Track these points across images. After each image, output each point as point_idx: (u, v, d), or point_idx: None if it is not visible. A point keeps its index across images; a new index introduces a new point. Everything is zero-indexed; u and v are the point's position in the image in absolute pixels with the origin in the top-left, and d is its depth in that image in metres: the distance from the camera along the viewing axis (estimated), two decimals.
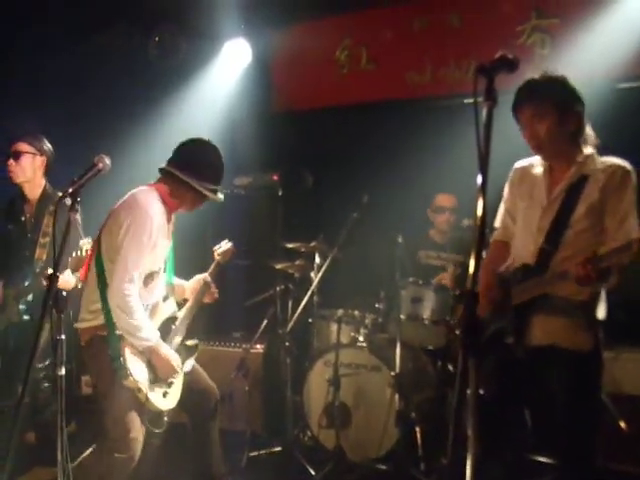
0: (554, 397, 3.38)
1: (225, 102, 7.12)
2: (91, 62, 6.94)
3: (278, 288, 5.79)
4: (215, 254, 4.52)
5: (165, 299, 4.12)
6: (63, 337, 2.96)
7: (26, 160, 5.04)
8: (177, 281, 4.39)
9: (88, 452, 3.91)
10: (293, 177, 6.58)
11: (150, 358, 3.77)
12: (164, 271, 4.07)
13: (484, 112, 2.08)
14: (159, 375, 3.82)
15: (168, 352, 3.84)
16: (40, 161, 5.10)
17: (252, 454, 5.28)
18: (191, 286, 4.41)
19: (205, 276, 4.39)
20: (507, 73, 2.17)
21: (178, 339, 4.10)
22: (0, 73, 6.44)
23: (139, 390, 3.68)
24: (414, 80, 6.53)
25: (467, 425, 1.93)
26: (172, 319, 4.11)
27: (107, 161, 3.25)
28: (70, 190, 3.07)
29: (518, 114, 3.43)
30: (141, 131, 6.68)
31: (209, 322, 6.21)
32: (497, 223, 3.84)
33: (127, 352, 3.68)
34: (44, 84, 6.67)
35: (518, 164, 3.73)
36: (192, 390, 4.15)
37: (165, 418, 4.00)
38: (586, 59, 5.43)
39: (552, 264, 3.36)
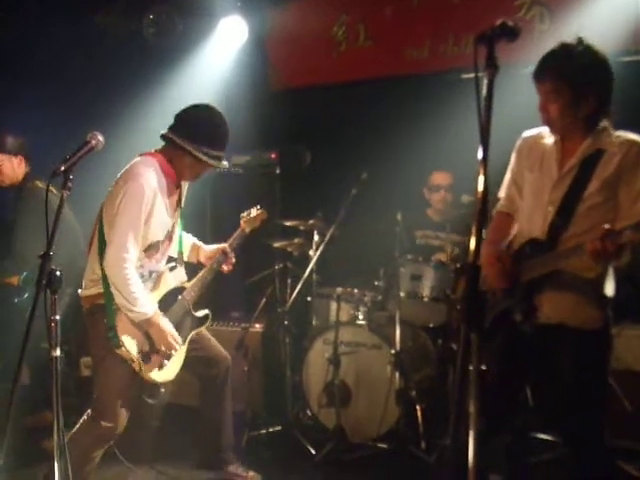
0: (562, 375, 3.30)
1: (221, 80, 7.06)
2: (87, 41, 6.90)
3: (277, 267, 5.77)
4: (242, 221, 4.55)
5: (173, 269, 4.12)
6: (57, 318, 2.92)
7: (5, 167, 5.29)
8: (195, 242, 4.44)
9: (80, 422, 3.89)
10: (291, 155, 6.55)
11: (147, 330, 3.77)
12: (171, 240, 4.06)
13: (485, 81, 2.03)
14: (157, 347, 3.83)
15: (166, 325, 3.83)
16: (17, 160, 5.32)
17: (252, 434, 5.27)
18: (208, 252, 4.41)
19: (225, 246, 4.39)
20: (508, 41, 2.12)
21: (184, 309, 4.10)
22: None
23: (132, 360, 3.72)
24: (412, 56, 6.47)
25: (469, 402, 1.90)
26: (179, 289, 4.12)
27: (100, 138, 3.19)
28: (62, 168, 3.02)
29: (537, 84, 3.28)
30: (137, 110, 6.64)
31: (207, 302, 6.18)
32: (501, 193, 3.72)
33: (122, 322, 3.70)
34: (39, 63, 6.62)
35: (527, 133, 3.59)
36: (202, 358, 4.24)
37: (162, 389, 4.01)
38: (586, 33, 5.37)
39: (563, 239, 3.26)
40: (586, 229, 3.19)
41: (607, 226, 2.97)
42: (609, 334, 3.32)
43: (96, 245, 3.78)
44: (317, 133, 6.78)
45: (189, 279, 4.25)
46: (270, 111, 6.99)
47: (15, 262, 5.20)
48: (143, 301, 3.70)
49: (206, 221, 6.76)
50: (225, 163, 4.04)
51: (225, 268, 4.39)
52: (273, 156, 6.57)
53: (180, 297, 4.10)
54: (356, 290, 5.61)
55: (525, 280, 3.33)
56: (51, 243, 2.91)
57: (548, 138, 3.44)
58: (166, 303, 4.00)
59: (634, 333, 4.79)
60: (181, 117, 3.95)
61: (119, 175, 3.80)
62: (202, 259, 4.41)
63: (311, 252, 5.59)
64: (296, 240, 5.63)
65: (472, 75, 2.07)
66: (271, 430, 5.33)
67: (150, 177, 3.74)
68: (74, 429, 3.85)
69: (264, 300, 5.65)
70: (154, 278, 3.97)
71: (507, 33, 2.12)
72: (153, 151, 3.92)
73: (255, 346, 5.68)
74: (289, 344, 5.48)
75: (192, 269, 4.37)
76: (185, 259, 4.32)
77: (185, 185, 4.15)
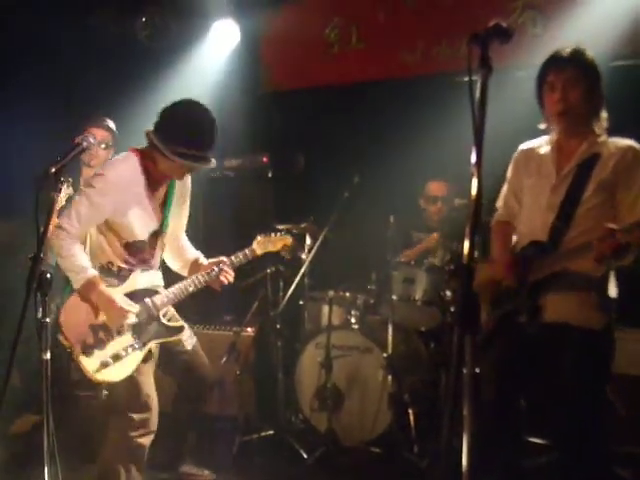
0: (562, 375, 3.34)
1: (214, 83, 7.03)
2: (80, 44, 6.87)
3: (269, 270, 5.73)
4: (254, 242, 4.29)
5: (146, 270, 3.90)
6: (48, 320, 2.90)
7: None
8: (199, 258, 4.22)
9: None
10: (283, 158, 6.53)
11: (91, 298, 3.64)
12: (158, 246, 3.96)
13: (478, 82, 2.02)
14: (108, 321, 3.69)
15: (113, 294, 3.67)
16: None
17: (244, 438, 5.23)
18: (206, 267, 4.15)
19: (223, 259, 4.14)
20: (501, 43, 2.12)
21: (147, 312, 3.84)
22: None
23: (70, 348, 3.61)
24: (405, 59, 6.46)
25: (463, 405, 1.88)
26: (150, 292, 3.88)
27: (91, 140, 3.19)
28: (53, 170, 3.00)
29: (554, 73, 3.38)
30: (130, 112, 6.60)
31: (199, 305, 6.16)
32: (499, 203, 3.84)
33: (69, 307, 3.67)
34: (30, 64, 6.60)
35: (523, 145, 3.71)
36: (186, 370, 4.14)
37: (105, 392, 3.75)
38: (578, 38, 5.37)
39: (564, 241, 3.35)
40: (586, 230, 3.28)
41: (611, 225, 3.05)
42: (612, 335, 3.39)
43: None
44: (310, 136, 6.76)
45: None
46: (262, 114, 6.99)
47: None
48: (81, 263, 3.60)
49: (198, 224, 6.74)
50: (210, 163, 3.84)
51: (215, 284, 4.12)
52: (265, 159, 6.55)
53: (147, 299, 3.85)
54: (348, 293, 5.60)
55: (531, 281, 3.40)
56: (41, 245, 2.89)
57: (544, 147, 3.58)
58: (130, 300, 3.81)
59: (628, 336, 4.77)
60: (160, 114, 3.82)
61: None
62: (187, 274, 4.22)
63: (303, 255, 5.57)
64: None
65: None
66: (263, 434, 5.31)
67: (122, 169, 3.72)
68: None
69: (256, 304, 5.62)
70: (123, 276, 3.81)
71: (500, 34, 2.11)
72: (138, 148, 3.85)
73: (247, 350, 5.65)
74: (281, 348, 5.45)
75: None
76: (184, 272, 4.19)
77: (181, 189, 4.06)
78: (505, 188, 3.79)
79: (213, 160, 3.86)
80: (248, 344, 5.69)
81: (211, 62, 7.10)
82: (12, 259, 5.23)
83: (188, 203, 4.18)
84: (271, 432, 5.33)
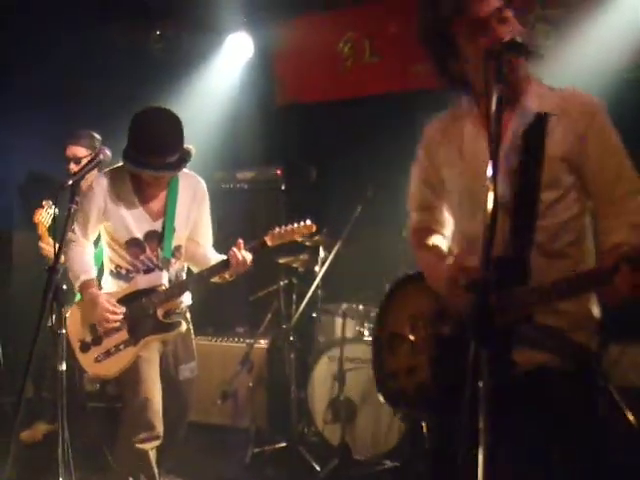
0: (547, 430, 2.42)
1: (227, 96, 7.08)
2: (93, 56, 6.91)
3: (282, 282, 5.75)
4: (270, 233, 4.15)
5: (149, 271, 4.00)
6: (64, 331, 2.92)
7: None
8: (213, 256, 4.19)
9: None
10: (296, 171, 6.54)
11: (86, 299, 3.90)
12: (158, 244, 4.01)
13: (494, 97, 2.03)
14: (95, 321, 3.88)
15: (103, 298, 3.85)
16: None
17: (256, 450, 5.24)
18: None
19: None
20: (516, 57, 2.13)
21: (143, 309, 3.92)
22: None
23: (71, 343, 3.87)
24: (419, 71, 6.47)
25: (478, 418, 1.88)
26: (147, 291, 3.96)
27: (108, 152, 3.26)
28: (70, 182, 3.05)
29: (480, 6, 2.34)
30: None
31: (212, 317, 6.17)
32: (411, 205, 2.91)
33: (75, 309, 3.99)
34: (43, 76, 6.64)
35: (429, 126, 2.82)
36: (168, 398, 4.05)
37: (97, 385, 4.45)
38: (592, 50, 5.38)
39: (533, 253, 2.35)
40: (553, 236, 2.38)
41: (618, 239, 2.29)
42: (600, 365, 2.56)
43: None
44: (323, 149, 6.78)
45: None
46: (275, 127, 7.00)
47: None
48: (78, 268, 3.92)
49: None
50: (153, 170, 3.83)
51: (227, 275, 4.04)
52: (278, 172, 6.57)
53: (143, 299, 3.93)
54: (361, 306, 5.59)
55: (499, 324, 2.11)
56: (58, 256, 2.92)
57: (460, 120, 2.62)
58: (127, 301, 3.93)
59: (636, 350, 4.76)
60: None
61: None
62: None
63: (316, 268, 5.57)
64: (301, 256, 5.61)
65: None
66: (276, 446, 5.31)
67: (103, 177, 3.95)
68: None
69: (269, 316, 5.64)
70: (130, 278, 3.99)
71: (516, 49, 2.12)
72: None
73: (260, 362, 5.66)
74: (294, 360, 5.45)
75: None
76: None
77: (190, 194, 4.11)
78: (414, 182, 2.87)
79: (161, 168, 3.84)
80: (261, 356, 5.70)
81: (224, 75, 7.14)
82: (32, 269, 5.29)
83: (205, 210, 4.24)
84: (284, 444, 5.33)
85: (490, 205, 1.96)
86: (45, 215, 5.12)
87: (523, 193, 2.35)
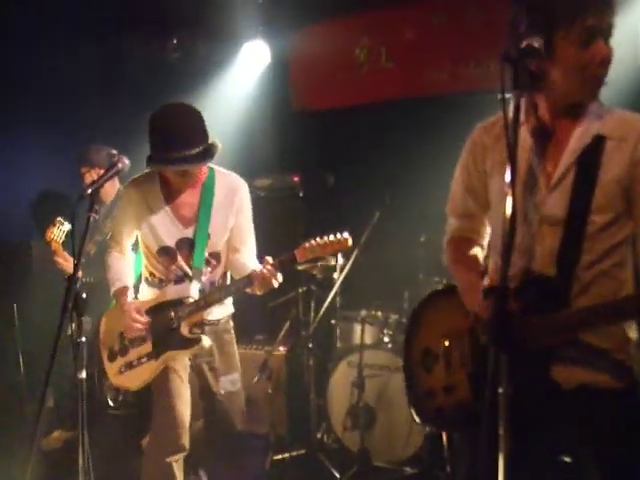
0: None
1: (244, 104, 7.10)
2: (110, 65, 6.96)
3: (300, 290, 5.76)
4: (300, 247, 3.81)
5: (179, 282, 3.87)
6: (83, 339, 2.93)
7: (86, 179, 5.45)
8: (253, 265, 3.90)
9: None
10: (314, 178, 6.54)
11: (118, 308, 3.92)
12: (189, 253, 3.87)
13: (511, 102, 2.02)
14: (123, 329, 3.89)
15: (130, 305, 3.83)
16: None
17: (276, 457, 5.25)
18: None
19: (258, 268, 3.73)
20: (533, 62, 2.12)
21: (165, 323, 3.79)
22: (11, 79, 6.53)
23: (101, 350, 3.97)
24: (434, 78, 6.47)
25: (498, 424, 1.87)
26: (174, 302, 3.81)
27: (126, 161, 3.25)
28: (89, 191, 3.05)
29: (598, 18, 2.27)
30: None
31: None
32: (451, 210, 2.89)
33: (108, 315, 4.05)
34: (62, 85, 6.70)
35: (480, 128, 2.70)
36: (210, 413, 4.08)
37: (120, 397, 4.15)
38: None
39: (578, 274, 2.34)
40: (600, 258, 2.36)
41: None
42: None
43: None
44: (340, 155, 6.77)
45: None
46: (292, 134, 7.01)
47: None
48: (113, 277, 3.96)
49: None
50: (170, 166, 3.69)
51: (257, 290, 3.76)
52: (296, 179, 6.57)
53: (171, 310, 3.78)
54: (380, 312, 5.58)
55: (534, 348, 2.32)
56: (78, 265, 2.93)
57: (520, 125, 2.24)
58: (155, 312, 3.83)
59: None
60: None
61: None
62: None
63: (335, 275, 5.57)
64: (320, 263, 5.61)
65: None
66: (295, 453, 5.31)
67: (133, 185, 3.91)
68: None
69: (288, 323, 5.65)
70: (162, 287, 3.90)
71: (532, 55, 2.11)
72: None
73: (279, 369, 5.67)
74: (313, 367, 5.45)
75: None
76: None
77: (226, 200, 3.93)
78: (456, 186, 2.81)
79: (181, 161, 3.64)
80: (280, 363, 5.70)
81: (242, 83, 7.15)
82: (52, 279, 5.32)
83: (245, 215, 4.02)
84: (303, 451, 5.34)
85: (509, 211, 1.95)
86: (57, 232, 5.14)
87: (575, 213, 2.33)
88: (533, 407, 2.27)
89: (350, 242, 3.80)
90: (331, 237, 3.77)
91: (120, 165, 3.22)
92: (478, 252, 2.76)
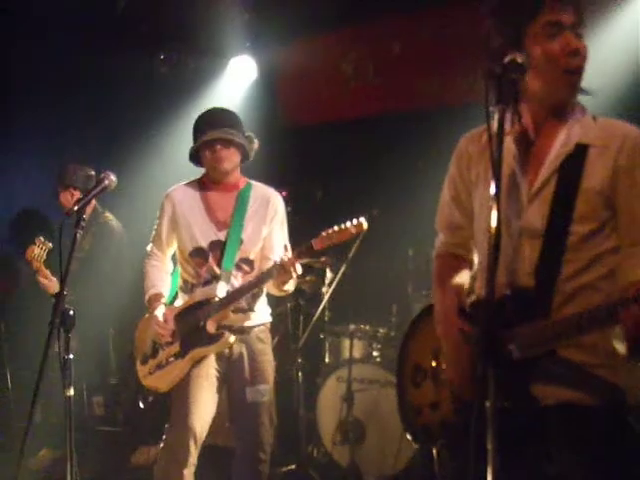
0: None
1: None
2: (98, 80, 6.96)
3: (289, 304, 5.75)
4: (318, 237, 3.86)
5: (207, 283, 3.91)
6: (71, 357, 2.92)
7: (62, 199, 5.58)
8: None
9: None
10: (302, 192, 6.55)
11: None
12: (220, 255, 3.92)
13: (495, 116, 2.03)
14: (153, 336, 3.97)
15: (157, 312, 3.91)
16: (76, 193, 5.54)
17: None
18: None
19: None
20: (517, 76, 2.13)
21: (191, 322, 3.85)
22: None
23: (136, 355, 4.09)
24: (422, 91, 6.49)
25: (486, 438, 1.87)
26: (202, 303, 3.86)
27: (113, 177, 3.25)
28: (76, 208, 3.05)
29: (557, 13, 2.26)
30: (149, 148, 6.69)
31: None
32: (439, 224, 2.83)
33: (143, 321, 4.11)
34: (49, 102, 6.70)
35: (466, 138, 2.67)
36: (233, 420, 4.09)
37: (150, 398, 4.46)
38: (607, 51, 5.34)
39: (559, 287, 2.30)
40: (581, 270, 2.30)
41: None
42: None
43: None
44: (328, 170, 6.79)
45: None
46: (280, 149, 7.01)
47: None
48: (146, 284, 4.04)
49: None
50: (205, 137, 3.95)
51: (278, 286, 3.92)
52: (284, 194, 6.56)
53: (198, 310, 3.85)
54: (369, 327, 5.57)
55: (515, 360, 2.25)
56: (64, 281, 2.92)
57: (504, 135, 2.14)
58: (184, 314, 3.89)
59: None
60: None
61: None
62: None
63: (323, 289, 5.57)
64: (308, 277, 5.61)
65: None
66: (284, 469, 5.28)
67: (173, 190, 4.08)
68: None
69: (277, 338, 5.63)
70: (189, 286, 3.98)
71: (516, 69, 2.12)
72: None
73: None
74: (302, 381, 5.44)
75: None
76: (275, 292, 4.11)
77: (261, 208, 4.04)
78: (445, 198, 2.75)
79: (215, 131, 3.95)
80: None
81: (229, 98, 7.14)
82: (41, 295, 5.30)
83: (278, 226, 4.11)
84: (293, 466, 5.31)
85: (494, 224, 1.95)
86: (38, 251, 5.12)
87: (555, 224, 2.29)
88: (515, 422, 2.21)
89: (366, 226, 3.85)
90: (347, 223, 3.82)
91: (107, 182, 3.22)
92: (464, 276, 2.68)
